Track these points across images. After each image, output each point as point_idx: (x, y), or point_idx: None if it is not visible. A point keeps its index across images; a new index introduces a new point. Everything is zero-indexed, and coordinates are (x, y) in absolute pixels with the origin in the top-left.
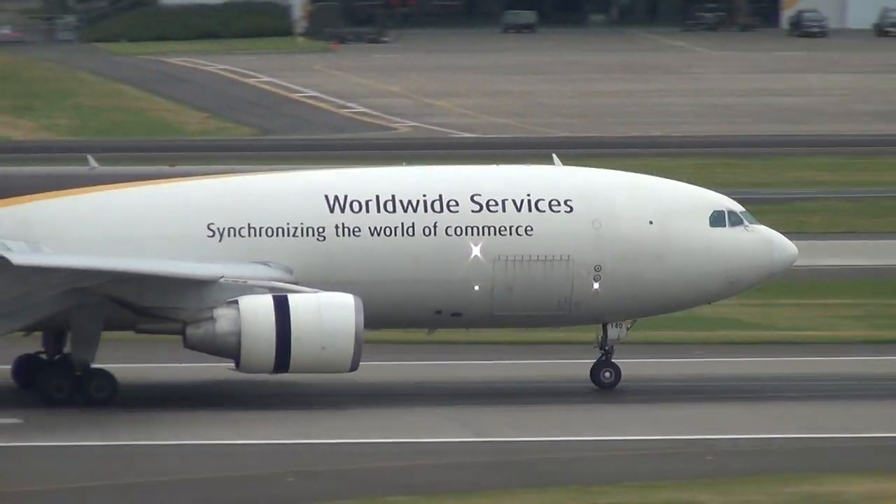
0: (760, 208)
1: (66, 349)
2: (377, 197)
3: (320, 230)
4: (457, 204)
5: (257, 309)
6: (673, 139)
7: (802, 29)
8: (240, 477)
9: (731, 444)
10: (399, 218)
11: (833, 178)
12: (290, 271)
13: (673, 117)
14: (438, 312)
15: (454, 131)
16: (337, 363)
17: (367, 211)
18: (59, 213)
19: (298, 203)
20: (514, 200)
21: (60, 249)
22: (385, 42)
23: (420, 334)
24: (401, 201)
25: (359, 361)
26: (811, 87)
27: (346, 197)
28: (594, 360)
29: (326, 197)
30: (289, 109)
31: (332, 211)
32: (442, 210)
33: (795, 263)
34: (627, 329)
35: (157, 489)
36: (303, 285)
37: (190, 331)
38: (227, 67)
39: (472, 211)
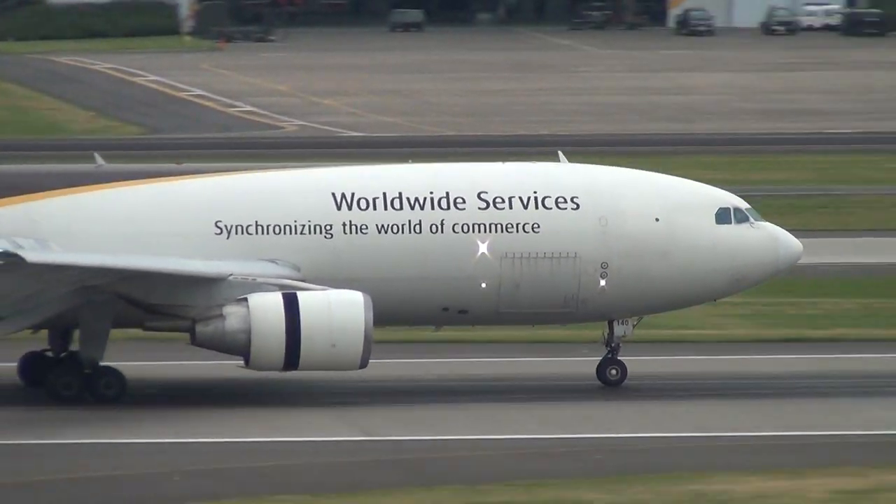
0: None
1: (72, 347)
2: (384, 194)
3: (328, 228)
4: (464, 201)
5: (267, 306)
6: (561, 138)
7: (689, 28)
8: (124, 476)
9: (620, 443)
10: (406, 215)
11: (719, 176)
12: (298, 269)
13: (560, 116)
14: (445, 309)
15: (341, 130)
16: (346, 361)
17: (375, 208)
18: (66, 210)
19: (306, 201)
20: (520, 198)
21: (69, 247)
22: (272, 41)
23: None
24: (408, 199)
25: (368, 359)
26: (697, 86)
27: (353, 194)
28: (594, 359)
29: (334, 194)
30: (176, 108)
31: (339, 208)
32: (449, 207)
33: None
34: (633, 326)
35: (40, 489)
36: (310, 283)
37: (199, 328)
38: (114, 66)
39: (479, 208)
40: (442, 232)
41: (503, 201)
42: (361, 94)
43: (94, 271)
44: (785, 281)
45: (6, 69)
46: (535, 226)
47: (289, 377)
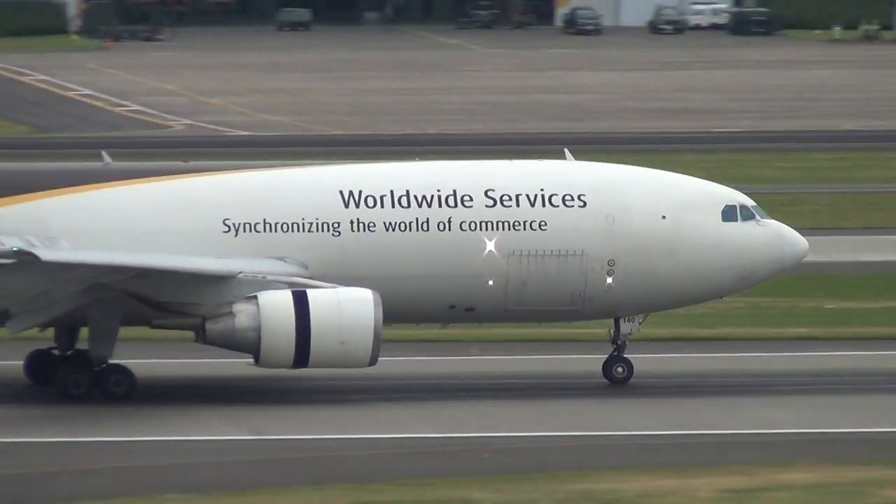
0: None
1: (78, 345)
2: (392, 192)
3: (335, 225)
4: (471, 199)
5: (277, 304)
6: (448, 136)
7: (577, 27)
8: (12, 476)
9: (509, 442)
10: (413, 213)
11: None
12: (306, 266)
13: (448, 115)
14: (452, 307)
15: (229, 129)
16: (355, 358)
17: (382, 206)
18: (74, 208)
19: (314, 198)
20: (527, 195)
21: (76, 245)
22: (160, 40)
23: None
24: (415, 196)
25: (377, 356)
26: (585, 85)
27: (360, 192)
28: (607, 357)
29: (341, 192)
30: (64, 108)
31: (346, 206)
32: (456, 205)
33: None
34: (640, 324)
35: None
36: (318, 280)
37: (209, 326)
38: (1, 66)
39: (486, 206)
40: (449, 230)
41: (510, 199)
42: (249, 94)
43: (108, 270)
44: None
45: None
46: (543, 223)
47: (176, 375)
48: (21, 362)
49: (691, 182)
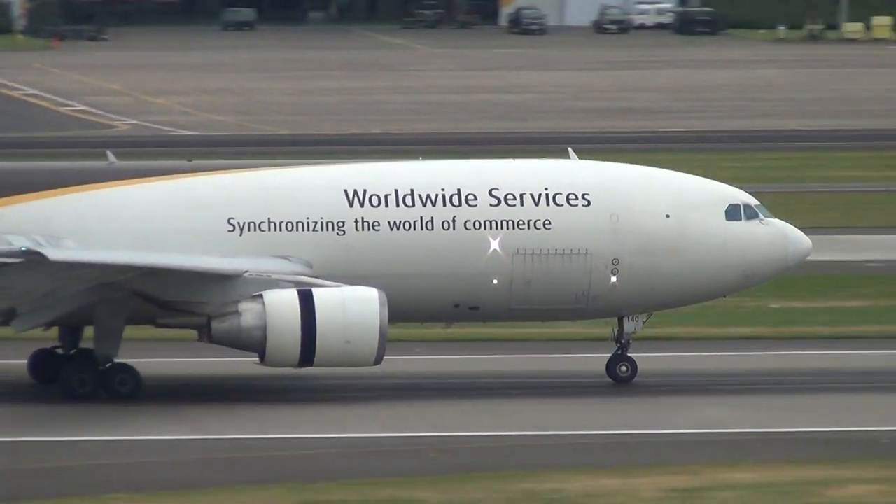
0: None
1: (82, 344)
2: (396, 191)
3: (340, 224)
4: (475, 198)
5: (282, 303)
6: (394, 136)
7: (521, 26)
8: None
9: (454, 442)
10: (418, 212)
11: None
12: (310, 265)
13: (393, 115)
14: (456, 306)
15: (174, 129)
16: (361, 357)
17: (387, 205)
18: (79, 207)
19: (318, 197)
20: (532, 194)
21: (82, 244)
22: (105, 40)
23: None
24: (419, 195)
25: (383, 355)
26: (530, 85)
27: (365, 191)
28: (610, 355)
29: (346, 191)
30: (9, 107)
31: (351, 205)
32: (460, 204)
33: None
34: (643, 322)
35: None
36: (323, 279)
37: (215, 325)
38: None
39: (491, 205)
40: (454, 228)
41: (515, 198)
42: (194, 93)
43: (115, 269)
44: None
45: None
46: (547, 222)
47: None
48: (25, 361)
49: (695, 181)
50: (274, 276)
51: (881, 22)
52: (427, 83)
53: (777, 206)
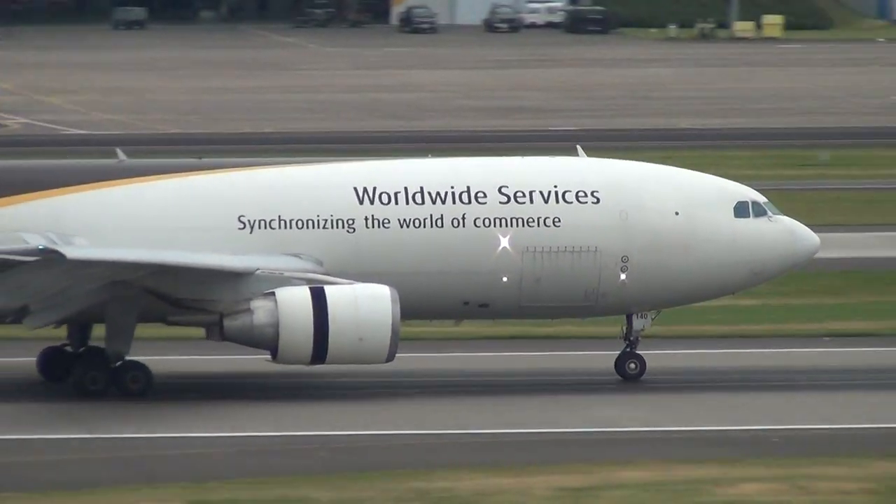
0: None
1: (91, 341)
2: (406, 189)
3: (350, 222)
4: (485, 196)
5: (294, 300)
6: (286, 135)
7: (412, 25)
8: None
9: (345, 441)
10: (428, 210)
11: None
12: (321, 263)
13: (284, 114)
14: (466, 304)
15: (65, 128)
16: (373, 354)
17: (396, 203)
18: (89, 205)
19: (328, 195)
20: (541, 192)
21: (94, 242)
22: None
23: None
24: (429, 193)
25: (395, 353)
26: (421, 83)
27: (375, 189)
28: (619, 352)
29: (356, 189)
30: None
31: (361, 203)
32: (470, 202)
33: None
34: (652, 320)
35: None
36: (335, 277)
37: (227, 322)
38: None
39: (500, 202)
40: (463, 226)
41: (524, 195)
42: (85, 92)
43: (128, 266)
44: None
45: None
46: (556, 220)
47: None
48: (34, 359)
49: (704, 178)
50: (286, 274)
51: (772, 21)
52: (319, 82)
53: None
